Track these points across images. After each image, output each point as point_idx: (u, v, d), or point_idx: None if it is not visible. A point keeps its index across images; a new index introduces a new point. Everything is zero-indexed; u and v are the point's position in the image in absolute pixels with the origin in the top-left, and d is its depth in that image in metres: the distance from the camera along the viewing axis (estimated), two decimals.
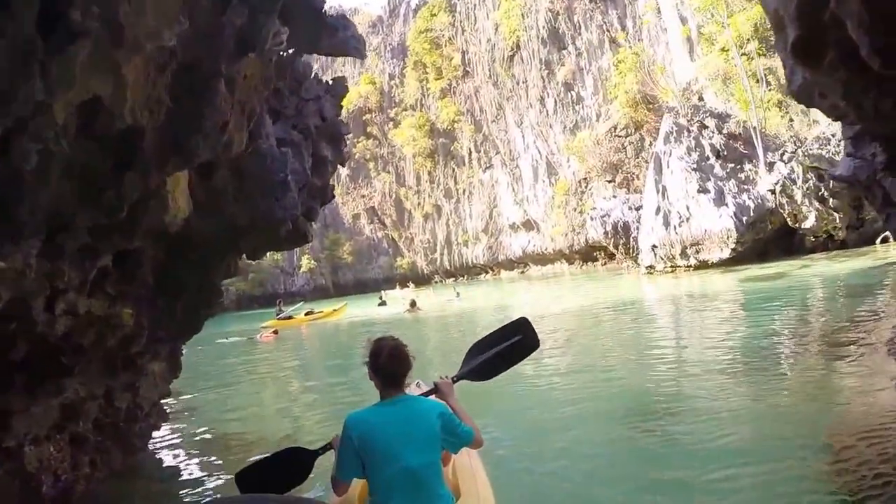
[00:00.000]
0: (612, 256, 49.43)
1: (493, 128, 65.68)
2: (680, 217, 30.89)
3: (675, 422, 7.22)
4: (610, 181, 47.81)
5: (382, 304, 41.06)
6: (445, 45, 74.83)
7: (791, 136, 33.54)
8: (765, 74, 35.54)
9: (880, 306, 13.48)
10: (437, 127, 74.31)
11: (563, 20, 54.38)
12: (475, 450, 3.71)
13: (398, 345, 3.31)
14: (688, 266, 31.04)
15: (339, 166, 11.73)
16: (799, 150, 29.86)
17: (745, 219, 28.97)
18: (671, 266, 31.67)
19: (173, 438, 10.02)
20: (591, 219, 38.74)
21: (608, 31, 52.54)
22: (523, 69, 58.99)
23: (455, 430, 3.24)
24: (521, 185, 61.96)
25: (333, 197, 12.19)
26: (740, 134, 33.46)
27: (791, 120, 35.24)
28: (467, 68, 70.50)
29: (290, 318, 35.89)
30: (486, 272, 69.79)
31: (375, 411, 3.20)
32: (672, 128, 33.56)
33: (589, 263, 51.93)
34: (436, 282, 74.67)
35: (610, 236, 36.95)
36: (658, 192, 32.23)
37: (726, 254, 29.15)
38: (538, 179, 58.94)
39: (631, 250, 36.22)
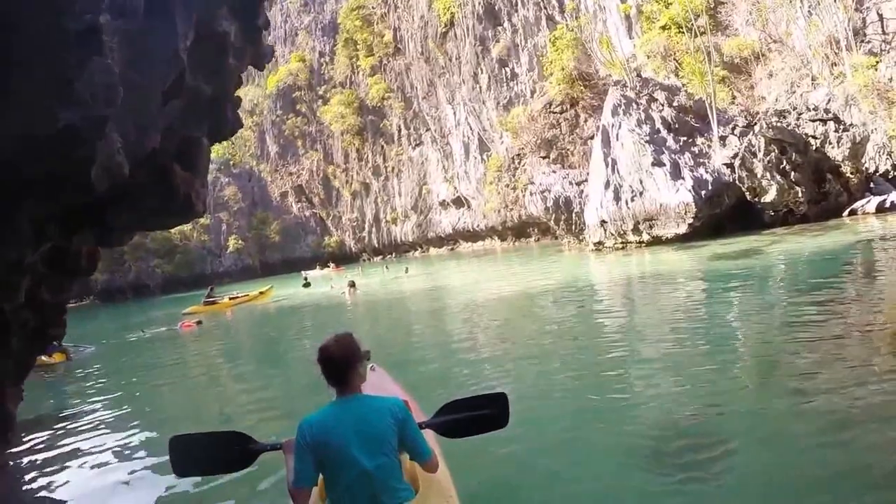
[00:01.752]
0: (545, 232, 48.99)
1: (423, 105, 64.20)
2: (633, 191, 29.69)
3: (631, 417, 6.35)
4: (544, 157, 47.02)
5: (307, 284, 39.73)
6: (377, 23, 72.86)
7: (741, 111, 33.44)
8: (710, 50, 35.44)
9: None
10: (366, 104, 72.32)
11: None
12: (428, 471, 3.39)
13: (339, 339, 3.18)
14: (640, 242, 29.86)
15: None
16: (761, 121, 29.54)
17: (703, 192, 28.23)
18: (622, 242, 30.44)
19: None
20: (531, 194, 37.30)
21: (545, 8, 51.78)
22: (457, 45, 57.66)
23: (413, 437, 3.14)
24: (452, 162, 60.75)
25: (239, 126, 9.23)
26: (691, 107, 32.94)
27: (734, 96, 35.28)
28: (399, 45, 68.72)
29: (214, 302, 33.56)
30: (415, 249, 68.39)
31: (328, 413, 3.09)
32: (620, 100, 32.62)
33: (522, 240, 51.20)
34: (363, 260, 72.91)
35: (551, 212, 35.44)
36: (607, 165, 31.07)
37: (682, 229, 28.00)
38: (469, 156, 57.85)
39: (574, 226, 35.20)
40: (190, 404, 11.29)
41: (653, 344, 9.76)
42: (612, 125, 32.14)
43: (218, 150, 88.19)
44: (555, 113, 47.46)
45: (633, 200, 29.99)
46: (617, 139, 31.62)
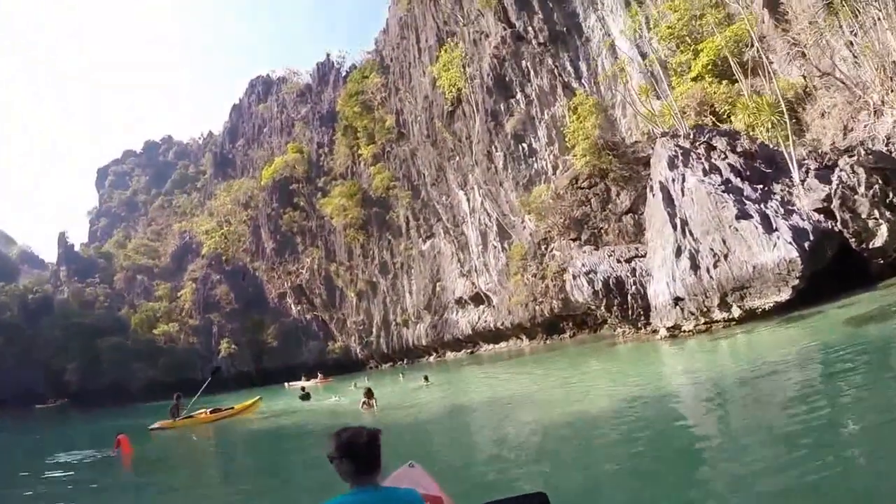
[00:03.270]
0: (581, 326, 40.83)
1: (432, 192, 57.31)
2: (714, 254, 21.98)
3: None
4: (575, 239, 39.52)
5: (305, 396, 32.26)
6: (377, 108, 67.27)
7: (809, 152, 26.00)
8: (771, 79, 28.79)
9: None
10: (369, 195, 65.68)
11: (510, 66, 47.07)
12: None
13: (368, 430, 3.34)
14: (729, 320, 22.00)
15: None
16: (858, 149, 22.08)
17: (806, 244, 20.44)
18: (706, 323, 22.60)
19: None
20: (574, 277, 29.09)
21: (560, 75, 45.43)
22: (465, 124, 51.17)
23: None
24: (469, 254, 53.21)
25: None
26: (756, 152, 25.54)
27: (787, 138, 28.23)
28: (402, 130, 62.66)
29: (187, 417, 26.41)
30: (430, 354, 59.88)
31: (352, 499, 3.20)
32: (675, 150, 25.41)
33: (553, 337, 42.80)
34: (370, 368, 64.42)
35: (601, 296, 27.45)
36: (675, 228, 23.46)
37: (785, 295, 20.24)
38: (488, 246, 50.39)
39: (630, 311, 27.16)
40: None
41: None
42: (673, 179, 24.91)
43: (209, 245, 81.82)
44: (583, 189, 40.33)
45: (716, 266, 22.31)
46: (683, 194, 24.25)
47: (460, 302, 54.21)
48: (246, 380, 65.24)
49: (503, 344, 49.88)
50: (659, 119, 38.34)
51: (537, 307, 42.09)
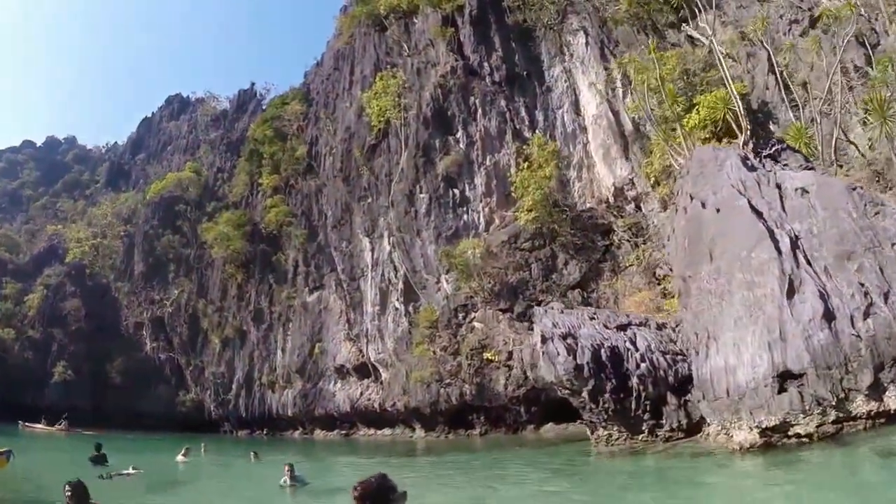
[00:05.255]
0: (496, 423, 30.42)
1: (332, 236, 46.64)
2: (866, 294, 12.61)
3: None
4: (504, 310, 29.85)
5: (99, 458, 20.51)
6: (291, 138, 56.77)
7: None
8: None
9: None
10: (259, 230, 54.41)
11: (456, 100, 38.15)
12: None
13: (377, 477, 3.35)
14: (875, 414, 12.27)
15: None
16: None
17: None
18: (839, 419, 12.57)
19: None
20: (544, 340, 18.07)
21: (513, 120, 36.87)
22: (388, 159, 41.45)
23: None
24: (361, 313, 42.37)
25: None
26: None
27: None
28: (312, 162, 52.39)
29: None
30: (295, 428, 47.54)
31: None
32: (744, 152, 16.35)
33: (459, 431, 31.76)
34: (224, 431, 51.61)
35: (588, 374, 16.90)
36: (780, 251, 13.87)
37: None
38: (387, 307, 39.88)
39: (636, 405, 16.63)
40: None
41: None
42: (758, 182, 15.51)
43: (74, 252, 67.77)
44: (523, 250, 31.39)
45: (867, 316, 12.66)
46: (783, 199, 14.70)
47: (341, 371, 42.94)
48: (79, 417, 48.72)
49: (387, 431, 38.49)
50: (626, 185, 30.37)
51: (443, 390, 31.16)
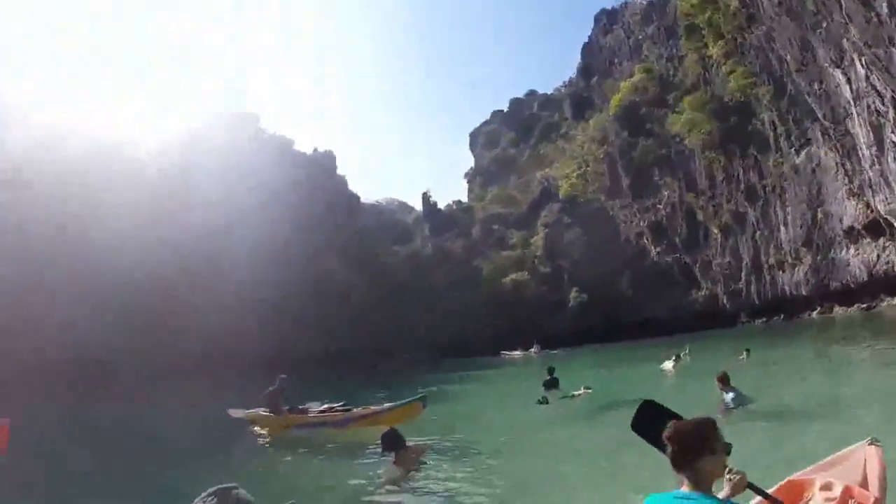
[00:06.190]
0: None
1: (799, 81, 38.64)
2: None
3: None
4: None
5: (543, 401, 18.60)
6: None
7: None
8: None
9: None
10: (724, 102, 48.88)
11: None
12: None
13: (695, 419, 2.81)
14: None
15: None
16: None
17: None
18: None
19: None
20: None
21: None
22: None
23: None
24: (858, 160, 34.06)
25: None
26: None
27: None
28: (750, 9, 44.26)
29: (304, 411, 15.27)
30: (812, 309, 41.20)
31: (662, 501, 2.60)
32: None
33: None
34: (742, 322, 48.12)
35: None
36: None
37: None
38: (885, 145, 31.13)
39: None
40: None
41: None
42: None
43: (565, 188, 72.45)
44: None
45: None
46: None
47: (851, 234, 35.47)
48: (591, 335, 52.77)
49: None
50: None
51: None
